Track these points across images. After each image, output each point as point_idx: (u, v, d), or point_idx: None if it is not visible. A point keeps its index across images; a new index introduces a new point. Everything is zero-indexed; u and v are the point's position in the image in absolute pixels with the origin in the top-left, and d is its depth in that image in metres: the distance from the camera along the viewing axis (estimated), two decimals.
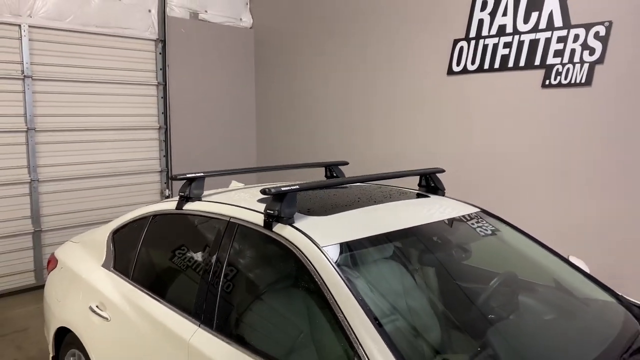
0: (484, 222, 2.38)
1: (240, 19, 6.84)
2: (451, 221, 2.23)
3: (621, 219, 4.02)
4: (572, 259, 2.50)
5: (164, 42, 6.06)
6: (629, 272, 3.97)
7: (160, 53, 6.07)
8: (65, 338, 2.81)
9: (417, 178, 2.71)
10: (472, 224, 2.31)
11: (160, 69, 6.10)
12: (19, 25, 4.99)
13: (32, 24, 5.06)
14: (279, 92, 6.78)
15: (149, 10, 5.95)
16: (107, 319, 2.42)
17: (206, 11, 6.48)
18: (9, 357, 3.80)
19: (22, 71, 5.05)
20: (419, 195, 2.53)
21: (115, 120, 5.74)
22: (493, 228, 2.37)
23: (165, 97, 6.13)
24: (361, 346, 1.50)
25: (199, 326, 2.00)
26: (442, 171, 2.67)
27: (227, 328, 1.92)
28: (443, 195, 2.61)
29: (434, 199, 2.48)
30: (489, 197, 4.71)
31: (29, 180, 5.18)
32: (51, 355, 2.96)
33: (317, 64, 6.24)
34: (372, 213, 2.12)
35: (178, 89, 6.20)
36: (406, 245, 2.02)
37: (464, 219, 2.31)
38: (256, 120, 7.10)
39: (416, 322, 1.72)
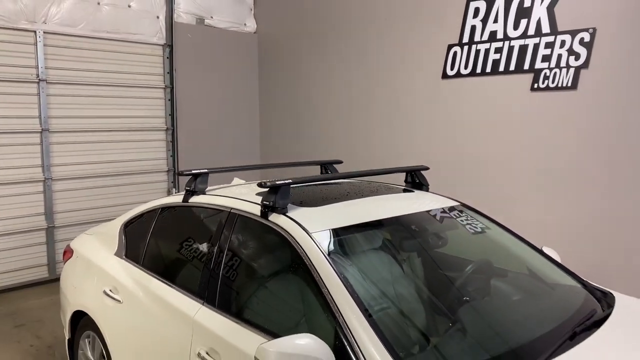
0: (463, 214, 2.61)
1: (245, 24, 7.10)
2: (431, 212, 2.46)
3: (604, 216, 4.23)
4: (545, 249, 2.72)
5: (171, 46, 6.32)
6: (611, 265, 4.17)
7: (167, 57, 6.33)
8: (80, 321, 3.05)
9: (404, 175, 2.94)
10: (451, 215, 2.53)
11: (168, 73, 6.36)
12: (35, 32, 5.26)
13: (47, 30, 5.34)
14: (281, 95, 7.02)
15: (157, 17, 6.21)
16: (119, 301, 2.66)
17: (212, 17, 6.74)
18: (27, 344, 4.05)
19: (37, 75, 5.31)
20: (404, 191, 2.76)
21: (125, 121, 6.00)
22: (472, 220, 2.59)
23: (172, 100, 6.39)
24: (341, 314, 1.73)
25: (203, 304, 2.24)
26: (426, 168, 2.90)
27: (228, 305, 2.16)
28: (427, 190, 2.84)
29: (417, 193, 2.71)
30: (480, 195, 4.92)
31: (43, 179, 5.44)
32: (67, 338, 3.21)
33: (318, 68, 6.48)
34: (358, 205, 2.36)
35: (184, 91, 6.46)
36: (388, 232, 2.25)
37: (443, 211, 2.54)
38: (259, 121, 7.35)
39: (390, 294, 1.95)
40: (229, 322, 2.08)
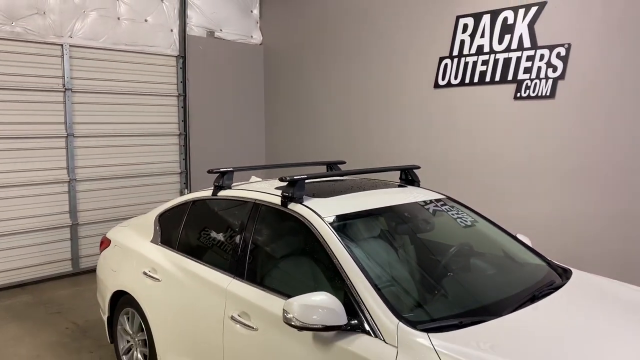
0: (448, 205, 3.10)
1: (251, 37, 7.61)
2: (420, 203, 2.95)
3: (579, 213, 4.73)
4: (519, 236, 3.21)
5: (184, 57, 6.81)
6: (586, 254, 4.67)
7: (180, 67, 6.83)
8: (119, 300, 3.52)
9: (399, 173, 3.43)
10: (438, 205, 3.03)
11: (181, 82, 6.85)
12: (62, 45, 5.75)
13: (72, 44, 5.82)
14: (285, 101, 7.52)
15: (171, 30, 6.71)
16: (158, 279, 3.14)
17: (221, 30, 7.24)
18: (62, 326, 4.51)
19: (64, 84, 5.79)
20: (399, 186, 3.25)
21: (141, 127, 6.48)
22: (455, 210, 3.08)
23: (185, 107, 6.87)
24: (349, 278, 2.22)
25: (233, 278, 2.71)
26: (418, 167, 3.39)
27: (254, 277, 2.63)
28: (418, 186, 3.33)
29: (409, 188, 3.20)
30: (468, 191, 5.40)
31: (68, 180, 5.91)
32: (106, 316, 3.67)
33: (319, 77, 6.98)
34: (360, 197, 2.84)
35: (196, 99, 6.95)
36: (385, 217, 2.74)
37: (431, 202, 3.03)
38: (265, 126, 7.84)
39: (386, 264, 2.44)
40: (256, 290, 2.56)
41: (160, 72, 6.67)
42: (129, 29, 6.29)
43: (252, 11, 7.61)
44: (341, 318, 2.07)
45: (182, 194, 6.95)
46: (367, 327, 2.08)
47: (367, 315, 2.10)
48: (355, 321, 2.11)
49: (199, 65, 6.96)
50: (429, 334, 1.97)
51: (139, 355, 3.40)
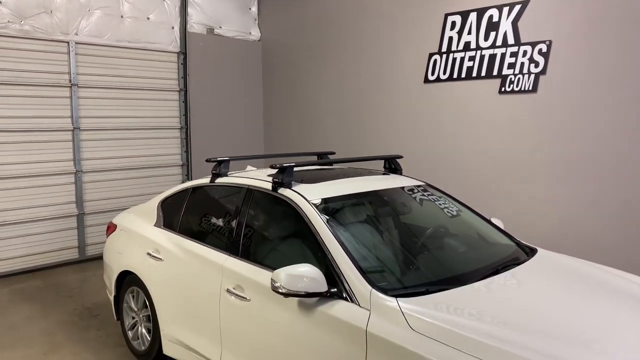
0: (428, 191, 3.37)
1: (250, 33, 7.87)
2: (401, 188, 3.23)
3: (558, 200, 5.00)
4: (493, 219, 3.48)
5: (185, 54, 7.08)
6: (565, 240, 4.94)
7: (181, 63, 7.09)
8: (125, 279, 3.81)
9: (383, 162, 3.70)
10: (417, 191, 3.30)
11: (182, 77, 7.12)
12: (68, 42, 6.02)
13: (78, 41, 6.09)
14: (282, 95, 7.79)
15: (172, 27, 6.97)
16: (161, 259, 3.42)
17: (220, 27, 7.50)
18: (71, 307, 4.81)
19: (70, 80, 6.07)
20: (383, 174, 3.52)
21: (144, 121, 6.76)
22: (432, 195, 3.36)
23: (185, 101, 7.15)
24: (330, 252, 2.49)
25: (229, 255, 2.99)
26: (400, 157, 3.66)
27: (247, 254, 2.91)
28: (400, 174, 3.60)
29: (392, 175, 3.47)
30: (454, 180, 5.67)
31: (74, 171, 6.19)
32: (113, 295, 3.96)
33: (315, 72, 7.24)
34: (345, 183, 3.12)
35: (197, 94, 7.22)
36: (367, 201, 3.02)
37: (411, 187, 3.31)
38: (263, 118, 8.12)
39: (365, 241, 2.71)
40: (249, 265, 2.84)
41: (162, 68, 6.93)
42: (132, 26, 6.55)
43: (250, 8, 7.87)
44: (322, 286, 2.35)
45: None
46: (344, 294, 2.36)
47: (345, 283, 2.38)
48: (335, 289, 2.39)
49: (199, 61, 7.22)
50: (398, 299, 2.24)
51: (143, 330, 3.69)
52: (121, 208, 6.48)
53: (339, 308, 2.33)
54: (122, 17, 6.44)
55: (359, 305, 2.30)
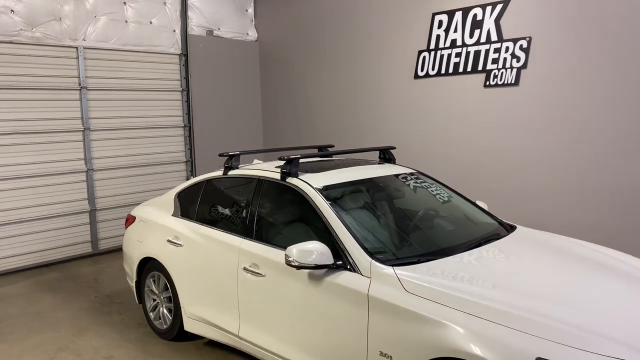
0: (419, 178, 3.77)
1: (247, 34, 8.21)
2: (394, 175, 3.62)
3: (539, 186, 5.41)
4: (478, 202, 3.87)
5: (186, 55, 7.42)
6: (546, 221, 5.35)
7: (183, 65, 7.44)
8: (146, 266, 4.18)
9: (378, 153, 4.09)
10: (409, 178, 3.69)
11: (184, 78, 7.46)
12: (77, 48, 6.35)
13: (86, 46, 6.42)
14: (279, 92, 8.15)
15: (174, 30, 7.31)
16: (181, 245, 3.79)
17: (219, 29, 7.85)
18: (91, 295, 5.18)
19: (79, 83, 6.41)
20: (378, 164, 3.91)
21: (149, 120, 7.11)
22: (424, 181, 3.75)
23: (188, 101, 7.50)
24: (334, 231, 2.88)
25: (244, 238, 3.36)
26: (393, 148, 4.05)
27: (261, 236, 3.29)
28: (394, 163, 3.99)
29: (386, 165, 3.86)
30: (443, 169, 6.07)
31: (86, 170, 6.54)
32: (134, 280, 4.33)
33: (311, 69, 7.61)
34: (344, 172, 3.50)
35: (198, 93, 7.57)
36: (364, 186, 3.41)
37: (404, 175, 3.70)
38: (262, 115, 8.48)
39: (364, 221, 3.10)
40: (263, 246, 3.22)
41: (165, 69, 7.27)
42: (136, 30, 6.89)
43: (247, 10, 8.22)
44: (329, 259, 2.74)
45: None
46: (348, 266, 2.75)
47: (348, 256, 2.77)
48: (340, 262, 2.78)
49: (200, 62, 7.57)
50: (394, 267, 2.63)
51: (165, 310, 4.07)
52: (130, 204, 6.84)
53: (344, 277, 2.72)
54: (126, 22, 6.77)
55: (361, 274, 2.69)
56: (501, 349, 2.12)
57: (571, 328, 2.14)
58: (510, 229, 3.46)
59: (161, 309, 4.10)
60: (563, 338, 2.09)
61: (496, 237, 3.22)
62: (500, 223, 3.55)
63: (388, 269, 2.63)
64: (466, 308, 2.30)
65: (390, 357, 2.46)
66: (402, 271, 2.60)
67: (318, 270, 2.80)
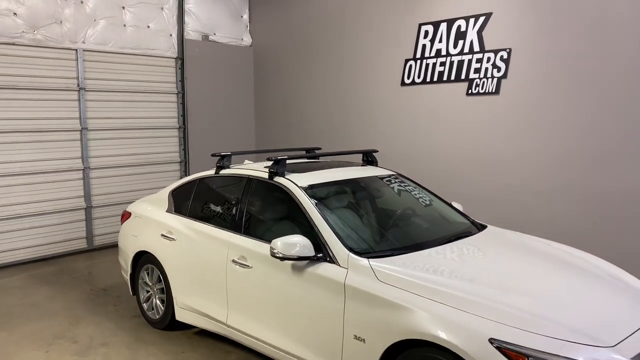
0: (397, 179, 4.03)
1: (242, 39, 8.47)
2: (375, 177, 3.88)
3: (516, 190, 5.69)
4: (454, 203, 4.14)
5: (182, 59, 7.66)
6: (521, 221, 5.63)
7: (179, 68, 7.68)
8: (140, 259, 4.41)
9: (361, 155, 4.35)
10: (388, 179, 3.95)
11: (180, 81, 7.70)
12: (76, 50, 6.58)
13: (85, 48, 6.65)
14: (272, 96, 8.41)
15: (170, 35, 7.55)
16: (174, 239, 4.03)
17: (214, 34, 8.10)
18: (87, 288, 5.39)
19: (78, 84, 6.63)
20: (361, 166, 4.17)
21: (145, 121, 7.33)
22: (403, 183, 4.01)
23: (183, 103, 7.73)
24: (316, 226, 3.12)
25: (233, 232, 3.60)
26: (376, 151, 4.31)
27: (249, 231, 3.53)
28: (376, 165, 4.25)
29: (368, 167, 4.12)
30: (427, 172, 6.33)
31: (82, 168, 6.75)
32: (129, 273, 4.55)
33: (303, 74, 7.87)
34: (328, 172, 3.75)
35: (193, 96, 7.81)
36: (346, 186, 3.67)
37: (383, 176, 3.96)
38: (255, 118, 8.73)
39: (345, 218, 3.35)
40: (251, 240, 3.46)
41: (162, 72, 7.51)
42: (134, 34, 7.12)
43: (242, 16, 8.47)
44: (311, 251, 2.99)
45: None
46: (328, 258, 3.00)
47: (328, 249, 3.02)
48: (321, 254, 3.03)
49: (196, 66, 7.81)
50: (369, 259, 2.89)
51: (157, 301, 4.30)
52: (125, 202, 7.06)
53: (324, 268, 2.98)
54: (124, 25, 7.01)
55: (339, 265, 2.94)
56: (460, 331, 2.37)
57: (522, 313, 2.40)
58: (481, 227, 3.72)
59: (154, 300, 4.33)
60: (514, 321, 2.35)
61: (467, 234, 3.48)
62: (473, 222, 3.82)
63: (363, 261, 2.88)
64: (431, 295, 2.56)
65: (364, 340, 2.71)
66: (376, 262, 2.85)
67: (300, 262, 3.05)
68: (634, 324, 2.48)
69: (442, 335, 2.40)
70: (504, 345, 2.26)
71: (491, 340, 2.29)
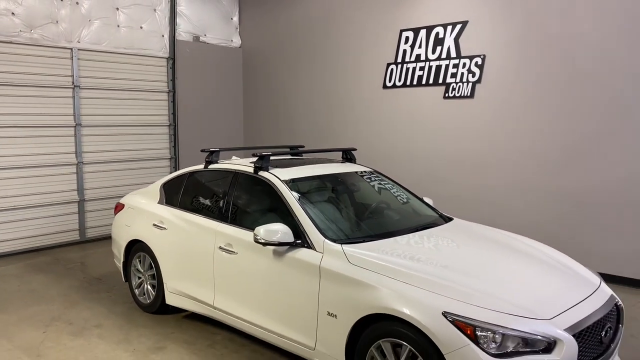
0: (374, 175, 4.37)
1: (232, 41, 8.77)
2: (352, 172, 4.22)
3: (492, 190, 6.06)
4: (425, 198, 4.49)
5: (173, 59, 7.94)
6: (493, 215, 6.00)
7: (170, 68, 7.96)
8: (133, 247, 4.70)
9: (341, 153, 4.69)
10: (365, 174, 4.29)
11: (171, 80, 7.98)
12: (71, 49, 6.84)
13: (80, 48, 6.91)
14: (260, 96, 8.72)
15: (162, 35, 7.83)
16: (165, 228, 4.32)
17: (205, 35, 8.39)
18: (79, 277, 5.66)
19: (73, 82, 6.89)
20: (340, 162, 4.50)
21: (137, 118, 7.61)
22: (379, 179, 4.35)
23: (174, 101, 8.01)
24: (296, 216, 3.45)
25: (220, 222, 3.92)
26: (354, 149, 4.65)
27: (235, 220, 3.85)
28: (354, 162, 4.59)
29: (347, 163, 4.46)
30: (407, 172, 6.69)
31: (76, 163, 7.01)
32: (122, 261, 4.84)
33: (290, 75, 8.19)
34: (309, 168, 4.08)
35: (184, 95, 8.09)
36: (326, 180, 4.00)
37: (360, 172, 4.30)
38: (243, 116, 9.03)
39: (323, 209, 3.69)
40: (237, 228, 3.78)
41: (153, 71, 7.79)
42: (127, 34, 7.39)
43: (232, 18, 8.77)
44: (290, 238, 3.31)
45: None
46: (305, 244, 3.33)
47: (306, 236, 3.34)
48: (299, 240, 3.35)
49: (186, 66, 8.09)
50: (342, 245, 3.22)
51: (148, 287, 4.59)
52: (117, 196, 7.32)
53: (302, 253, 3.30)
54: (118, 26, 7.28)
55: (315, 250, 3.27)
56: (418, 306, 2.71)
57: (473, 291, 2.75)
58: (448, 220, 4.07)
59: (146, 285, 4.62)
60: (464, 297, 2.69)
61: (433, 225, 3.83)
62: (441, 215, 4.17)
63: (337, 246, 3.21)
64: (394, 275, 2.90)
65: (335, 315, 3.05)
66: (348, 247, 3.19)
67: (281, 247, 3.37)
68: (570, 301, 2.84)
69: (403, 309, 2.73)
70: (455, 317, 2.60)
71: (444, 314, 2.63)
